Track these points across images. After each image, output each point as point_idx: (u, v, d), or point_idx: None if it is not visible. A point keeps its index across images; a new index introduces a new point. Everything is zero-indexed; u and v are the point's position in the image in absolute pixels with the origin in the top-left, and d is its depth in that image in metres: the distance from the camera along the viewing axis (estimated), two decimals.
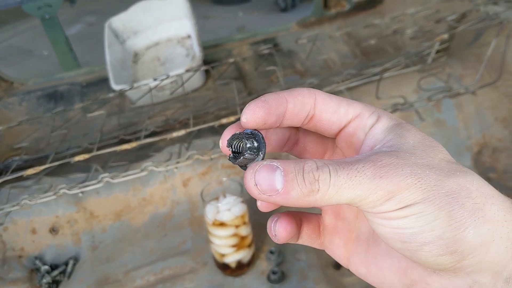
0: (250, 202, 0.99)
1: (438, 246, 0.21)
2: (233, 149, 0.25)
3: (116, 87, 1.29)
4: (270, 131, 0.28)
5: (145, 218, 1.00)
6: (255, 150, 0.24)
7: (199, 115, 1.24)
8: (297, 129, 0.29)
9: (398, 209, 0.21)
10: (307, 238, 0.30)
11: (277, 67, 0.92)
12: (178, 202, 1.00)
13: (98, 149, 0.87)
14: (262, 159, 0.25)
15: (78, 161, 0.82)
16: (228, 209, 0.79)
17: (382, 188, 0.21)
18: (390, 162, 0.22)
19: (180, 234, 0.96)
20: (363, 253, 0.28)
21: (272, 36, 1.63)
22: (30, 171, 0.80)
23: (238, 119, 0.80)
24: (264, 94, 0.25)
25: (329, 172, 0.22)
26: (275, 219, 0.28)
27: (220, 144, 0.26)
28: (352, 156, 0.23)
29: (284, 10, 3.77)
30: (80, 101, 1.45)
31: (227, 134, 0.25)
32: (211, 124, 0.79)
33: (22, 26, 4.12)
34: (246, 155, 0.24)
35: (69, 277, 0.94)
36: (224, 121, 0.78)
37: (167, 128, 1.24)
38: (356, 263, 0.28)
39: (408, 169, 0.22)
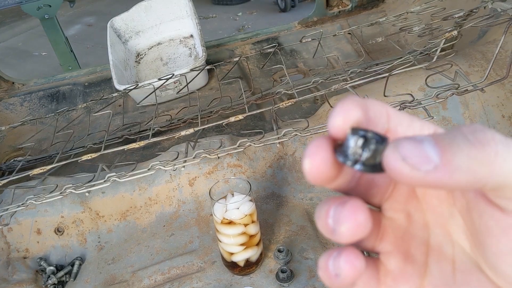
0: (258, 200, 0.98)
1: None
2: (358, 156, 0.18)
3: (119, 87, 1.28)
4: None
5: (151, 217, 1.00)
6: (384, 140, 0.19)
7: (203, 114, 1.23)
8: None
9: None
10: None
11: (283, 65, 0.92)
12: (184, 201, 1.00)
13: (105, 148, 0.87)
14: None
15: (83, 161, 0.82)
16: (237, 208, 0.79)
17: None
18: None
19: (186, 233, 0.95)
20: None
21: (274, 36, 1.63)
22: (36, 171, 0.79)
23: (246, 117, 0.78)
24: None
25: (499, 135, 0.16)
26: (335, 253, 0.20)
27: (320, 159, 0.19)
28: None
29: (284, 10, 3.77)
30: (82, 101, 1.45)
31: (323, 148, 0.19)
32: (220, 122, 0.79)
33: (19, 27, 4.10)
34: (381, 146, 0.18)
35: (75, 278, 0.93)
36: (232, 119, 0.77)
37: (172, 127, 1.23)
38: None
39: None
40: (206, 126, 0.79)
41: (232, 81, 1.42)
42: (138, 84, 1.13)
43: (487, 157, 0.16)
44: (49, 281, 0.91)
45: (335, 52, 1.54)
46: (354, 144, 0.18)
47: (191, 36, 1.55)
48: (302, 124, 0.89)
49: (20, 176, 0.83)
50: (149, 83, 1.15)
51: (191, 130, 0.78)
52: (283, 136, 0.84)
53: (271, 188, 1.02)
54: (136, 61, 1.52)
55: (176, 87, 1.37)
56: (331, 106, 0.87)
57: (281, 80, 1.48)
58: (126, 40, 1.52)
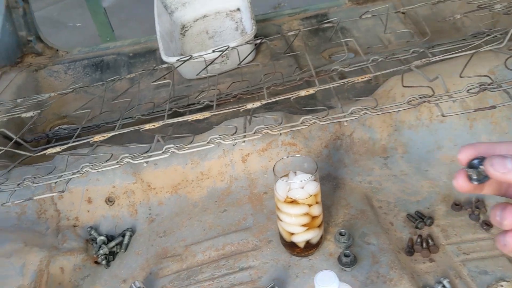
0: (322, 181, 0.94)
1: None
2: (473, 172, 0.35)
3: (166, 58, 1.25)
4: None
5: (202, 192, 0.97)
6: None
7: (253, 90, 1.19)
8: None
9: None
10: None
11: (353, 39, 0.87)
12: (237, 178, 0.97)
13: (156, 119, 0.84)
14: None
15: (145, 131, 0.79)
16: (301, 187, 0.75)
17: None
18: None
19: (240, 210, 0.92)
20: None
21: (323, 12, 1.56)
22: (97, 138, 0.77)
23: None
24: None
25: None
26: (500, 208, 0.33)
27: (461, 181, 0.35)
28: None
29: None
30: (127, 71, 1.43)
31: (461, 176, 0.35)
32: (288, 96, 0.75)
33: None
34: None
35: (125, 249, 0.92)
36: (302, 93, 0.73)
37: (220, 102, 1.20)
38: None
39: None
40: (272, 99, 0.75)
41: (280, 58, 1.37)
42: (192, 55, 1.10)
43: None
44: (101, 251, 0.90)
45: (387, 31, 1.47)
46: (472, 171, 0.35)
47: (238, 9, 1.50)
48: (369, 102, 0.84)
49: (82, 142, 0.81)
50: (201, 55, 1.11)
51: (258, 103, 0.74)
52: (351, 114, 0.80)
53: (327, 169, 0.98)
54: (181, 33, 1.48)
55: (223, 61, 1.33)
56: (403, 86, 0.82)
57: (330, 58, 1.42)
58: (172, 11, 1.48)
